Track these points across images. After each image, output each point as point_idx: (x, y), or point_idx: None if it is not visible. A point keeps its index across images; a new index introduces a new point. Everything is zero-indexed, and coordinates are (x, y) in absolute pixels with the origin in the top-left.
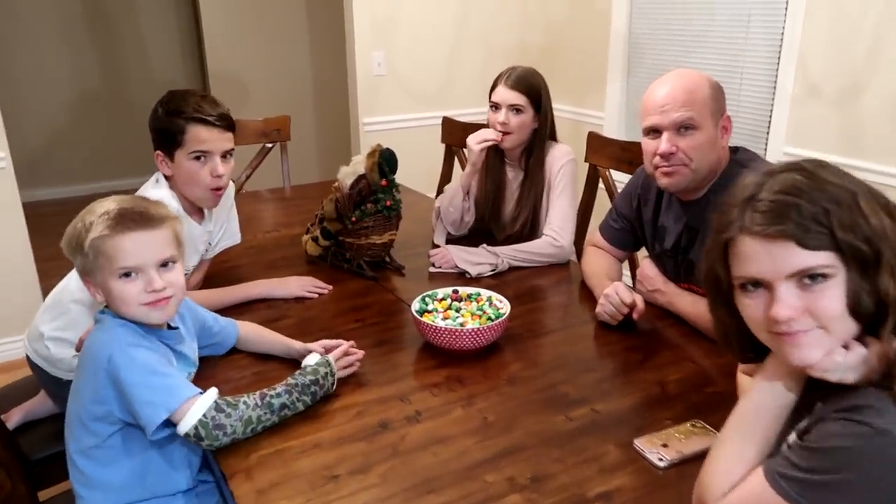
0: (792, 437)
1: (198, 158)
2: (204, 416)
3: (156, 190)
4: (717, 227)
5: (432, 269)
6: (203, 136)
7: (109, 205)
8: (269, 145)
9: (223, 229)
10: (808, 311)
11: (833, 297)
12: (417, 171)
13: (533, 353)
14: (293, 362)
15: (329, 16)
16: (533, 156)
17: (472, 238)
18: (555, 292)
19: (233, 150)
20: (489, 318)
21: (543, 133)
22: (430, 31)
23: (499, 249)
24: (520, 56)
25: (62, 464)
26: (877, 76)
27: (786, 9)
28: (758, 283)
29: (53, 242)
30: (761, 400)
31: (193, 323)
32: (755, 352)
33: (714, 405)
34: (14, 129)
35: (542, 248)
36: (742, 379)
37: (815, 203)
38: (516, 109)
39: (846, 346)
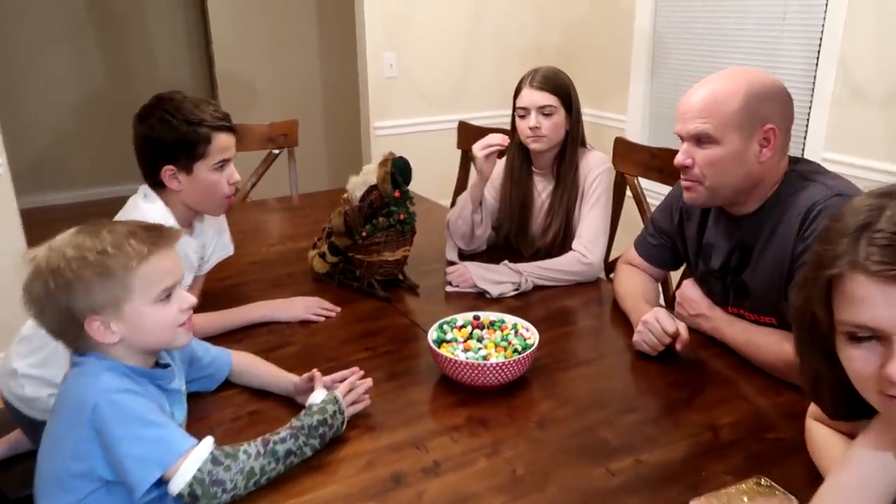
0: None
1: (220, 168)
2: (199, 470)
3: (149, 206)
4: (818, 259)
5: (449, 289)
6: (227, 143)
7: (124, 229)
8: (276, 151)
9: (215, 240)
10: None
11: None
12: (431, 177)
13: (564, 388)
14: (293, 400)
15: (339, 16)
16: (565, 161)
17: (491, 253)
18: (585, 315)
19: None
20: (515, 351)
21: (576, 136)
22: (443, 31)
23: (521, 267)
24: (537, 57)
25: None
26: None
27: (825, 7)
28: (871, 333)
29: None
30: (867, 473)
31: (181, 355)
32: (853, 408)
33: (778, 456)
34: (19, 133)
35: (569, 265)
36: (814, 428)
37: None
38: (546, 112)
39: None
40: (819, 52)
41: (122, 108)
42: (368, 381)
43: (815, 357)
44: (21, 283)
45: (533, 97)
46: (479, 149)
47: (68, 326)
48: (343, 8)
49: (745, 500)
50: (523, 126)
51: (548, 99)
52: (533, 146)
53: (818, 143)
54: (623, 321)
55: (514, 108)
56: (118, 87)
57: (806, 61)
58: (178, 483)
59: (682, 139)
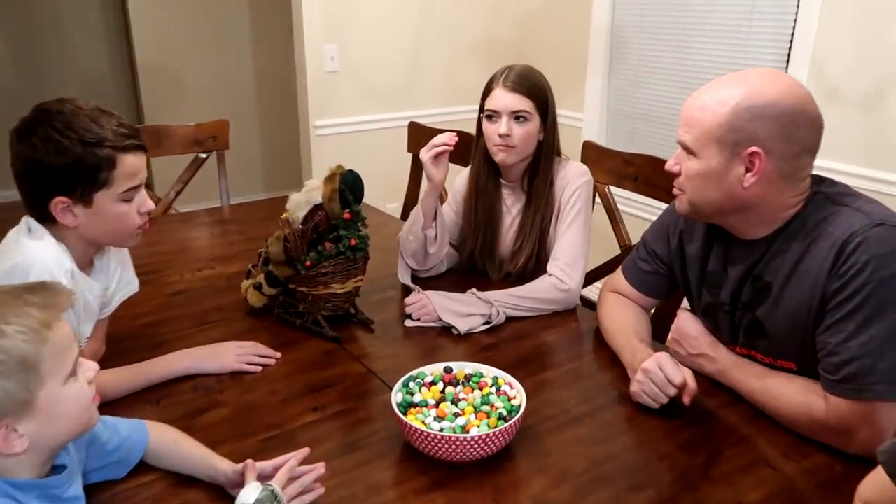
0: None
1: (129, 199)
2: None
3: (36, 244)
4: None
5: (409, 323)
6: (136, 166)
7: (7, 297)
8: (204, 155)
9: (118, 276)
10: None
11: None
12: (379, 181)
13: (557, 457)
14: (225, 492)
15: (274, 4)
16: (538, 175)
17: (453, 276)
18: (567, 353)
19: None
20: (500, 417)
21: (550, 146)
22: (389, 22)
23: (491, 296)
24: (488, 50)
25: None
26: None
27: (797, 4)
28: None
29: None
30: None
31: (76, 441)
32: None
33: None
34: None
35: (545, 292)
36: None
37: None
38: (520, 117)
39: None
40: (790, 50)
41: (31, 104)
42: (319, 468)
43: None
44: None
45: (506, 100)
46: (425, 152)
47: None
48: None
49: None
50: (492, 131)
51: (522, 103)
52: (499, 157)
53: None
54: (612, 362)
55: (482, 110)
56: (30, 81)
57: (776, 60)
58: None
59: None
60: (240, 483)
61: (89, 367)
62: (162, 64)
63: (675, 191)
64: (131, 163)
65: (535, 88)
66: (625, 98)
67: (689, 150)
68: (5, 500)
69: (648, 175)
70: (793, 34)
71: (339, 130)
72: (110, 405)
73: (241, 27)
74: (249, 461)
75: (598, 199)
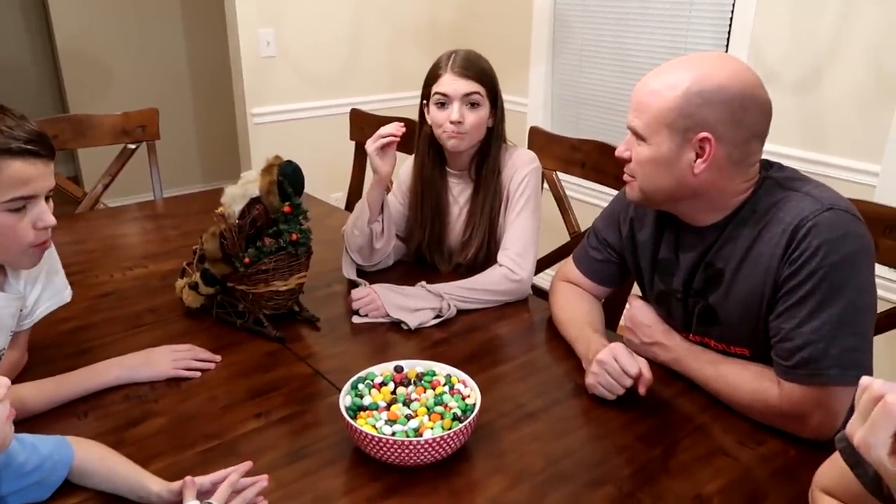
0: None
1: (17, 209)
2: None
3: None
4: None
5: (356, 320)
6: (27, 173)
7: None
8: (133, 146)
9: (41, 286)
10: None
11: None
12: (320, 171)
13: (514, 456)
14: None
15: None
16: (487, 162)
17: (400, 269)
18: (521, 346)
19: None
20: (455, 417)
21: (499, 133)
22: (326, 4)
23: (441, 288)
24: (430, 35)
25: None
26: (840, 62)
27: None
28: None
29: None
30: None
31: None
32: None
33: None
34: None
35: (496, 283)
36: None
37: None
38: (472, 102)
39: None
40: (729, 34)
41: None
42: (262, 481)
43: None
44: None
45: (457, 85)
46: (371, 143)
47: None
48: None
49: None
50: (442, 118)
51: (474, 87)
52: (450, 144)
53: None
54: (566, 353)
55: (428, 96)
56: None
57: (716, 44)
58: None
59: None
60: (177, 501)
61: (0, 384)
62: (85, 50)
63: (625, 177)
64: (18, 169)
65: (484, 73)
66: (569, 83)
67: (639, 136)
68: None
69: (596, 161)
70: (731, 19)
71: (277, 118)
72: (31, 420)
73: (172, 10)
74: (188, 478)
75: (545, 186)
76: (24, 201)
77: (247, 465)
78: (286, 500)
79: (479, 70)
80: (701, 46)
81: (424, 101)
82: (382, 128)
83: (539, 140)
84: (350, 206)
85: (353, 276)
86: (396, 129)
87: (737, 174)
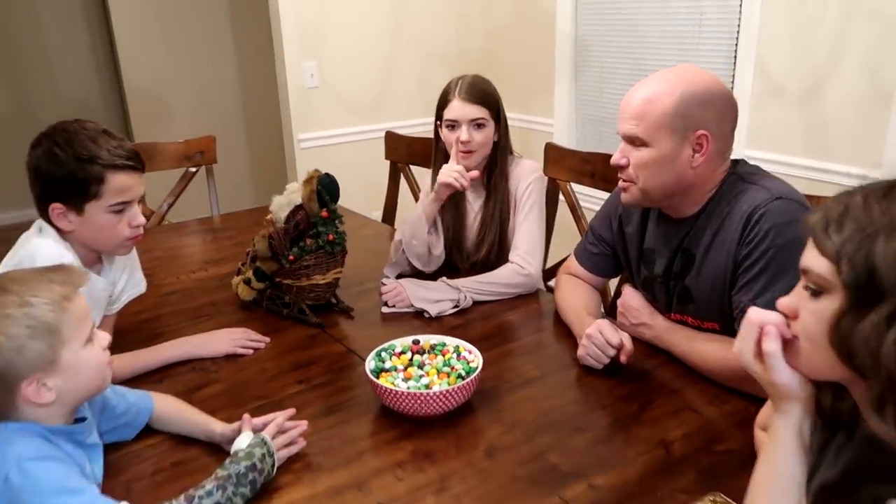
0: None
1: (118, 211)
2: None
3: (42, 241)
4: None
5: (385, 310)
6: (125, 184)
7: (33, 274)
8: (193, 169)
9: (125, 278)
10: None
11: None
12: (359, 189)
13: (511, 411)
14: (221, 449)
15: (255, 25)
16: (496, 172)
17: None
18: (527, 330)
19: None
20: (459, 376)
21: (505, 146)
22: (362, 38)
23: (460, 282)
24: (460, 62)
25: None
26: (839, 74)
27: (740, 6)
28: None
29: None
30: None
31: (91, 404)
32: None
33: (730, 468)
34: None
35: (507, 277)
36: (760, 437)
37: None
38: (478, 124)
39: None
40: (736, 52)
41: (21, 129)
42: (303, 425)
43: None
44: None
45: (464, 110)
46: (452, 175)
47: None
48: (259, 16)
49: None
50: (452, 138)
51: (479, 112)
52: (462, 163)
53: (740, 141)
54: (567, 335)
55: (441, 119)
56: (17, 107)
57: (725, 61)
58: None
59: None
60: (232, 438)
61: (103, 337)
62: (149, 86)
63: (622, 183)
64: (121, 180)
65: (487, 96)
66: (591, 103)
67: (639, 142)
68: (37, 442)
69: (604, 171)
70: (737, 38)
71: (320, 143)
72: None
73: (225, 49)
74: (246, 415)
75: (560, 196)
76: (123, 205)
77: (291, 411)
78: (321, 441)
79: (483, 95)
80: (711, 62)
81: (438, 122)
82: (461, 175)
83: (553, 154)
84: (386, 220)
85: (393, 276)
86: (468, 182)
87: (719, 165)
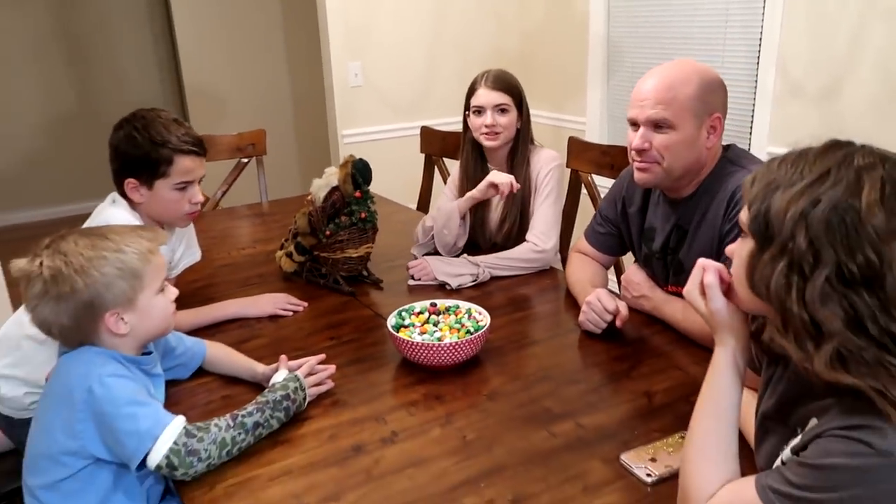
0: (786, 453)
1: (182, 188)
2: (175, 443)
3: (115, 210)
4: None
5: (411, 282)
6: (189, 166)
7: (126, 229)
8: (245, 160)
9: (183, 247)
10: None
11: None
12: (397, 181)
13: (515, 366)
14: (262, 387)
15: (304, 27)
16: (517, 157)
17: None
18: (539, 301)
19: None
20: (468, 332)
21: (526, 133)
22: (405, 40)
23: (479, 259)
24: (497, 62)
25: (19, 502)
26: (858, 73)
27: (763, 8)
28: None
29: None
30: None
31: (155, 345)
32: None
33: None
34: None
35: (523, 254)
36: None
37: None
38: (501, 109)
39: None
40: (759, 51)
41: (89, 126)
42: (331, 368)
43: None
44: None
45: (490, 96)
46: (497, 179)
47: (85, 323)
48: (308, 19)
49: (670, 451)
50: (478, 123)
51: (503, 98)
52: (488, 143)
53: (762, 138)
54: (573, 306)
55: (469, 108)
56: (85, 106)
57: (748, 61)
58: (155, 457)
59: (638, 124)
60: (272, 378)
61: (173, 290)
62: (206, 85)
63: (640, 164)
64: (186, 163)
65: (510, 86)
66: (622, 102)
67: (667, 124)
68: (114, 364)
69: (622, 163)
70: (760, 40)
71: (363, 139)
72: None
73: (276, 49)
74: (283, 356)
75: (582, 188)
76: (186, 184)
77: (321, 356)
78: (347, 384)
79: (506, 84)
80: (735, 64)
81: (467, 112)
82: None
83: (576, 148)
84: (420, 208)
85: (420, 255)
86: (512, 188)
87: (718, 145)
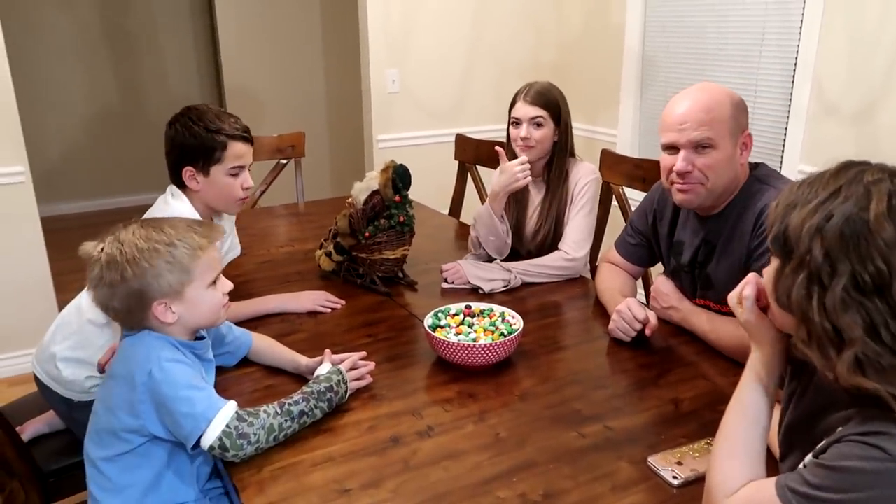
0: (808, 458)
1: (235, 174)
2: (227, 426)
3: (179, 203)
4: None
5: (445, 285)
6: (241, 151)
7: (183, 223)
8: (284, 161)
9: (229, 241)
10: None
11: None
12: (430, 187)
13: (545, 369)
14: (303, 378)
15: (343, 34)
16: (554, 169)
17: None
18: (570, 308)
19: None
20: (502, 334)
21: (564, 146)
22: (443, 49)
23: (512, 265)
24: (533, 73)
25: (75, 477)
26: (893, 92)
27: (800, 27)
28: None
29: (70, 256)
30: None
31: (207, 332)
32: None
33: None
34: (33, 144)
35: (554, 262)
36: None
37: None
38: (537, 123)
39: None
40: (795, 70)
41: (132, 123)
42: (371, 364)
43: None
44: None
45: (525, 110)
46: (519, 171)
47: (135, 309)
48: (347, 26)
49: (696, 456)
50: (515, 134)
51: (538, 112)
52: (522, 155)
53: (794, 157)
54: (602, 314)
55: (509, 118)
56: (128, 102)
57: (783, 79)
58: (210, 437)
59: (676, 147)
60: (314, 370)
61: (227, 284)
62: (245, 87)
63: (683, 186)
64: (238, 148)
65: (548, 101)
66: (654, 117)
67: (710, 145)
68: (171, 349)
69: (655, 177)
70: (796, 58)
71: (398, 144)
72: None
73: (314, 55)
74: (327, 350)
75: (613, 201)
76: (239, 169)
77: (362, 353)
78: (384, 379)
79: (544, 99)
80: (770, 82)
81: (509, 122)
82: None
83: (609, 160)
84: (452, 213)
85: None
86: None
87: (746, 164)
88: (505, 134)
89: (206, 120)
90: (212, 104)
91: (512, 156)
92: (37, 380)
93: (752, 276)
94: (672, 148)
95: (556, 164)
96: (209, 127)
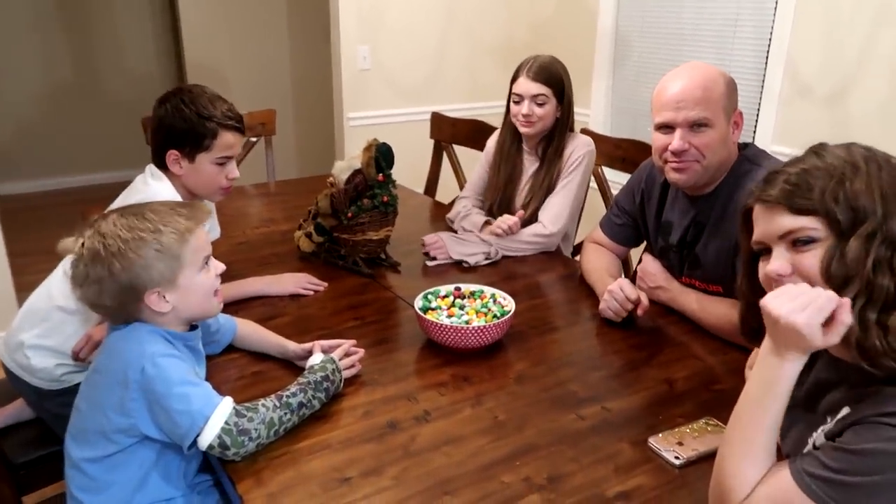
0: (819, 438)
1: (221, 164)
2: (226, 423)
3: (159, 184)
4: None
5: (429, 263)
6: (231, 141)
7: (165, 208)
8: (254, 139)
9: (209, 224)
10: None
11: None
12: (404, 166)
13: (538, 350)
14: (290, 363)
15: (309, 9)
16: (552, 145)
17: None
18: (558, 288)
19: None
20: (494, 316)
21: (565, 122)
22: (416, 25)
23: (491, 237)
24: (505, 52)
25: (46, 469)
26: (866, 77)
27: (775, 9)
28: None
29: (26, 237)
30: (762, 377)
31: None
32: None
33: (724, 403)
34: None
35: (530, 235)
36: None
37: (809, 174)
38: (539, 101)
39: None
40: (768, 51)
41: (88, 99)
42: (361, 352)
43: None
44: None
45: (528, 86)
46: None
47: (127, 302)
48: (312, 1)
49: (696, 436)
50: (517, 111)
51: (541, 89)
52: (523, 130)
53: (766, 137)
54: (590, 294)
55: (510, 92)
56: (84, 78)
57: (756, 60)
58: (208, 437)
59: (672, 127)
60: (303, 356)
61: (218, 265)
62: (207, 61)
63: (679, 165)
64: (229, 138)
65: (552, 77)
66: (627, 96)
67: (706, 124)
68: (164, 343)
69: (633, 156)
70: (770, 40)
71: (369, 122)
72: None
73: (280, 30)
74: (317, 341)
75: (592, 183)
76: (226, 159)
77: (353, 341)
78: (376, 364)
79: (548, 75)
80: (743, 63)
81: (510, 95)
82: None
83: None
84: (428, 193)
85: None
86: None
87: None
88: (479, 114)
89: (199, 104)
90: (206, 87)
91: (512, 128)
92: (5, 368)
93: (835, 298)
94: (667, 127)
95: (555, 140)
96: (201, 112)
